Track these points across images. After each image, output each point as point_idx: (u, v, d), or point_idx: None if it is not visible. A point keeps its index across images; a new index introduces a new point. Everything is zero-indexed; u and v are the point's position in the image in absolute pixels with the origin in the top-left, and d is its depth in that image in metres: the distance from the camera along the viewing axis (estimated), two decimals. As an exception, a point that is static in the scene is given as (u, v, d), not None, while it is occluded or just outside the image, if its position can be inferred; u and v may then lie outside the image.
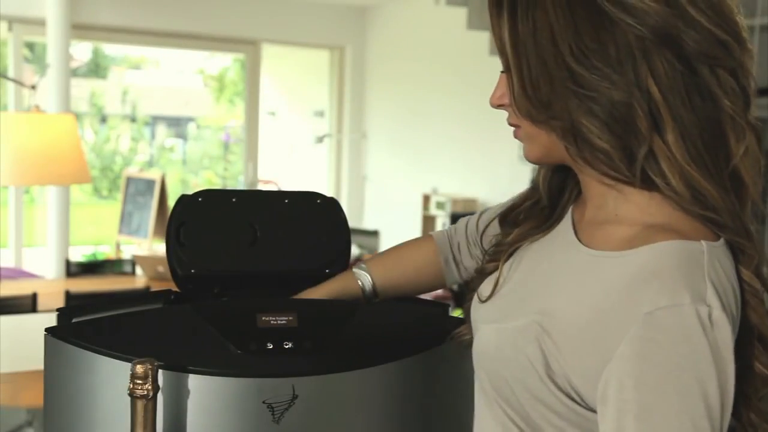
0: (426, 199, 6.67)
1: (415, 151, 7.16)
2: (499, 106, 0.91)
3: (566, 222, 0.94)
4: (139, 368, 0.87)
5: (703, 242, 0.80)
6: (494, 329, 0.90)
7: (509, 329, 0.87)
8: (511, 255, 0.97)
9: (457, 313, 1.33)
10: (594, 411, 0.80)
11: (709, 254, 0.79)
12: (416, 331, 1.13)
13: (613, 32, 0.80)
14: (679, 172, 0.80)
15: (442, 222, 6.47)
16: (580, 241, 0.89)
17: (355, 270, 1.18)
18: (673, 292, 0.76)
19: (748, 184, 0.84)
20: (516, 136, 0.92)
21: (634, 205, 0.85)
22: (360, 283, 1.17)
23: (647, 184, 0.83)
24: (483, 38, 5.50)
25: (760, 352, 0.85)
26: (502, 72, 0.89)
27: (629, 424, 0.75)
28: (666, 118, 0.80)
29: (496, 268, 0.97)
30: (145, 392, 0.87)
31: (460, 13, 5.58)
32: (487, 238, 1.11)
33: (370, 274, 1.18)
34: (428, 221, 6.60)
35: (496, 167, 6.30)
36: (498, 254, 0.99)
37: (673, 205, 0.83)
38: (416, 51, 7.07)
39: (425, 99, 7.00)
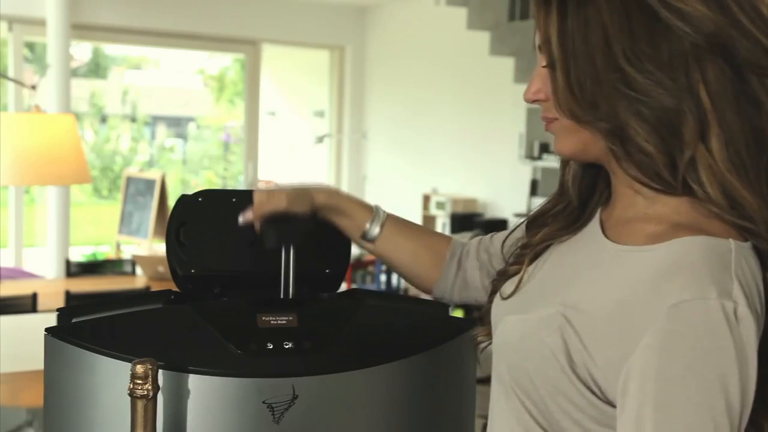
0: (426, 199, 6.68)
1: (415, 151, 7.16)
2: (533, 101, 0.91)
3: (594, 223, 0.94)
4: (139, 368, 0.87)
5: (731, 240, 0.80)
6: (517, 320, 0.90)
7: (533, 320, 0.87)
8: (537, 256, 0.97)
9: (457, 313, 1.33)
10: (612, 405, 0.80)
11: (737, 252, 0.79)
12: (416, 331, 1.12)
13: (668, 38, 0.80)
14: (718, 181, 0.81)
15: (441, 222, 6.47)
16: (607, 237, 0.89)
17: (374, 208, 1.18)
18: (699, 286, 0.76)
19: None
20: (548, 128, 0.91)
21: (664, 205, 0.85)
22: (368, 223, 1.17)
23: (683, 189, 0.83)
24: (483, 38, 5.50)
25: None
26: (543, 66, 0.88)
27: (648, 415, 0.75)
28: (712, 125, 0.80)
29: (519, 270, 0.98)
30: (145, 392, 0.87)
31: (460, 13, 5.59)
32: (508, 243, 1.10)
33: (382, 223, 1.17)
34: (428, 221, 6.60)
35: (496, 167, 6.31)
36: (523, 255, 0.99)
37: (704, 212, 0.83)
38: (416, 51, 7.08)
39: (425, 99, 7.00)
